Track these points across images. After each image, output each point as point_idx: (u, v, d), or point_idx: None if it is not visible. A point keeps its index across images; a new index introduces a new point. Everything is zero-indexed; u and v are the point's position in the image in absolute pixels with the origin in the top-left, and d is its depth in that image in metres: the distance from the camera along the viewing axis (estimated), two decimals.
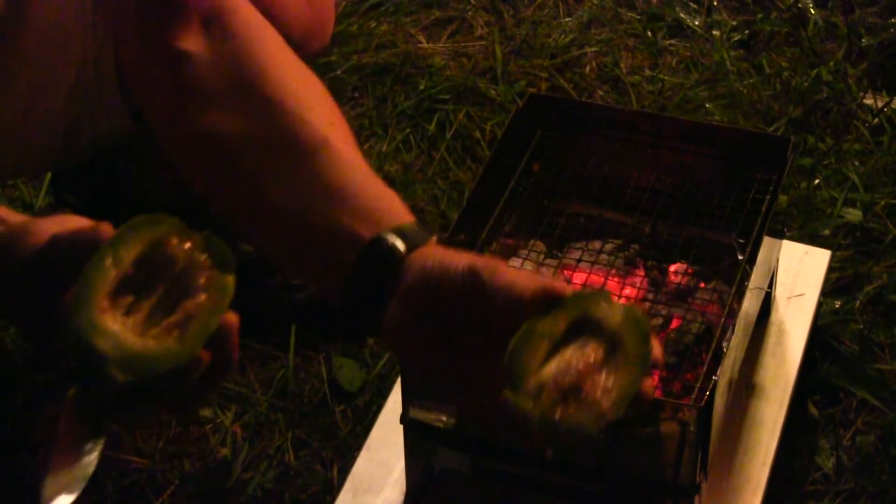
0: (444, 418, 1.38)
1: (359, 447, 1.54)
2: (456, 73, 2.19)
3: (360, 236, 1.04)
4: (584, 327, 0.97)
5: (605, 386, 0.95)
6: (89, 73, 1.28)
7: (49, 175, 1.86)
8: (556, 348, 0.96)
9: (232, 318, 0.91)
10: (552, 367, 0.96)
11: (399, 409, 1.40)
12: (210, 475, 1.62)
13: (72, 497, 0.89)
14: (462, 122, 2.09)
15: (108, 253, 0.89)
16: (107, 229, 0.90)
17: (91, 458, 0.91)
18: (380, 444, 1.52)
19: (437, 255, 1.03)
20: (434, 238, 1.05)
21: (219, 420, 1.67)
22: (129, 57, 1.22)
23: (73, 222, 0.94)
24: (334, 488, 1.58)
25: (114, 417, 0.93)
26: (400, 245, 1.03)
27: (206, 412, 1.68)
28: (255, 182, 1.12)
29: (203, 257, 0.92)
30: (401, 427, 1.41)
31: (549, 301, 0.97)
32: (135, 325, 0.89)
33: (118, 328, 0.88)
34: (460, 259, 1.01)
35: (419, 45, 2.26)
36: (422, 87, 2.15)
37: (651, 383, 0.97)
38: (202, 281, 0.91)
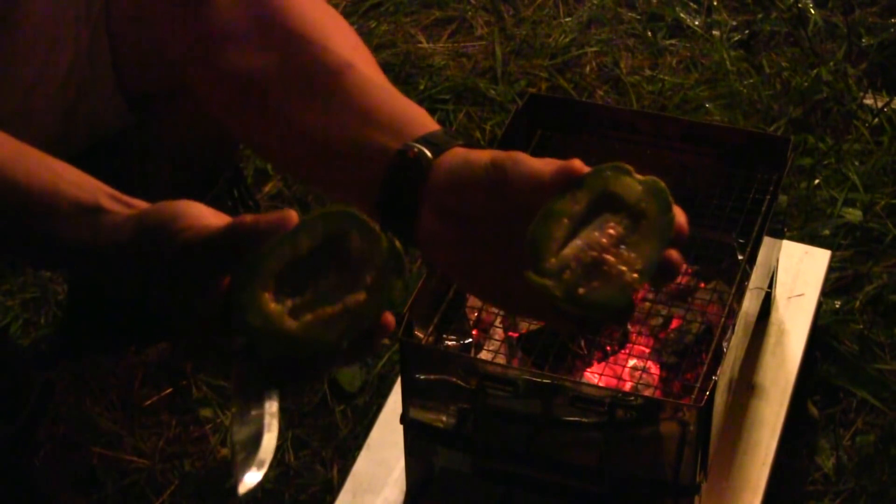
0: (444, 418, 1.38)
1: (359, 447, 1.54)
2: (456, 73, 2.19)
3: (389, 148, 1.06)
4: (606, 203, 0.96)
5: (629, 257, 0.94)
6: (84, 62, 1.30)
7: None
8: (578, 226, 0.96)
9: (389, 318, 0.93)
10: (574, 245, 0.95)
11: (399, 409, 1.40)
12: (210, 475, 1.62)
13: (260, 474, 0.91)
14: (462, 122, 2.09)
15: (288, 238, 0.92)
16: (293, 216, 0.93)
17: (272, 425, 0.94)
18: (380, 444, 1.52)
19: (461, 154, 1.04)
20: (460, 142, 1.06)
21: (219, 420, 1.67)
22: (153, 10, 1.24)
23: (202, 217, 0.96)
24: (334, 488, 1.58)
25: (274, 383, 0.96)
26: (427, 152, 1.05)
27: (206, 412, 1.68)
28: (284, 111, 1.14)
29: (376, 257, 0.94)
30: (401, 427, 1.41)
31: (569, 181, 0.97)
32: (293, 308, 0.92)
33: (274, 308, 0.92)
34: (483, 154, 1.02)
35: (419, 45, 2.26)
36: (422, 87, 2.15)
37: (677, 252, 0.96)
38: (369, 280, 0.93)
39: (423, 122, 1.09)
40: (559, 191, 0.96)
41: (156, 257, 0.97)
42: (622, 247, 0.95)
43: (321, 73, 1.13)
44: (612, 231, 0.95)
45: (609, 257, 0.94)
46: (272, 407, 0.94)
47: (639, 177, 0.97)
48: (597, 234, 0.95)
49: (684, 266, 0.97)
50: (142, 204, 1.01)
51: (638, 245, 0.95)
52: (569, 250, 0.95)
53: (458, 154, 1.04)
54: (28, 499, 1.58)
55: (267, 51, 1.16)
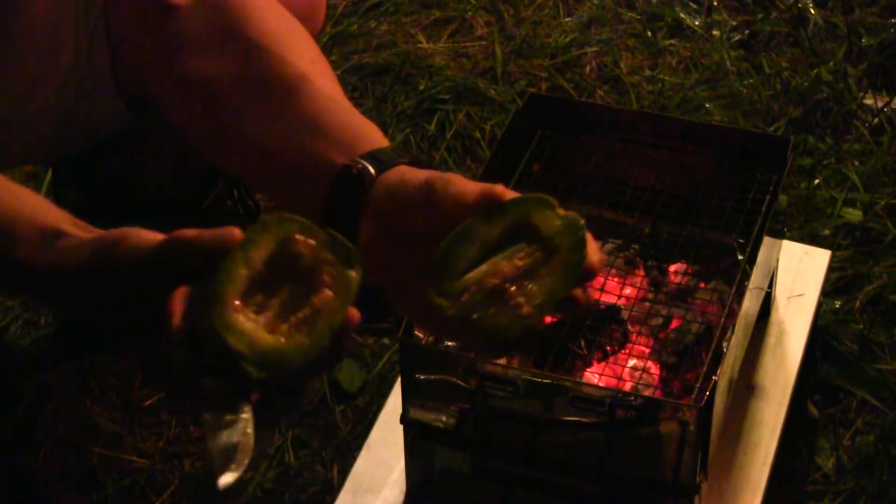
0: (444, 418, 1.38)
1: (359, 447, 1.54)
2: (456, 73, 2.19)
3: (336, 162, 1.08)
4: (523, 233, 0.97)
5: (530, 290, 0.95)
6: (82, 61, 1.31)
7: (49, 173, 1.86)
8: (490, 251, 0.97)
9: (354, 313, 0.94)
10: (481, 270, 0.96)
11: (399, 409, 1.40)
12: (210, 475, 1.62)
13: (238, 472, 0.92)
14: (462, 122, 2.09)
15: (240, 255, 0.92)
16: (237, 232, 0.93)
17: (247, 428, 0.95)
18: (380, 444, 1.52)
19: (401, 172, 1.06)
20: (405, 159, 1.08)
21: None
22: (121, 17, 1.25)
23: (149, 235, 0.97)
24: (334, 488, 1.58)
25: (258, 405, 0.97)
26: (371, 168, 1.07)
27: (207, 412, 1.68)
28: (239, 120, 1.16)
29: (327, 254, 0.94)
30: (401, 427, 1.41)
31: (491, 205, 0.98)
32: (266, 323, 0.92)
33: (251, 327, 0.91)
34: (421, 173, 1.04)
35: (419, 45, 2.26)
36: (422, 87, 2.16)
37: (583, 292, 0.97)
38: (327, 277, 0.94)
39: (373, 137, 1.11)
40: (480, 214, 0.97)
41: (106, 276, 0.97)
42: (528, 279, 0.95)
43: (277, 84, 1.15)
44: (520, 262, 0.96)
45: (510, 287, 0.95)
46: (245, 412, 0.95)
47: (560, 211, 0.98)
48: (505, 262, 0.96)
49: (589, 304, 0.99)
50: (101, 231, 1.02)
51: (544, 279, 0.96)
52: (474, 274, 0.96)
53: (399, 172, 1.06)
54: (28, 499, 1.58)
55: (225, 59, 1.18)
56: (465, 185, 1.01)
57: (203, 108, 1.19)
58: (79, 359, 1.73)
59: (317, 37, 1.53)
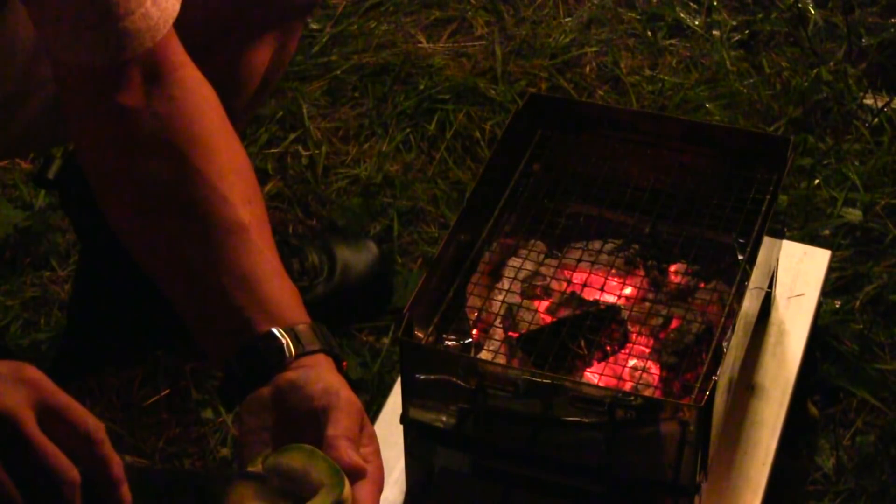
0: (444, 418, 1.38)
1: None
2: (456, 73, 2.19)
3: (254, 327, 1.15)
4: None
5: None
6: None
7: (54, 166, 1.86)
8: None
9: None
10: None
11: (399, 409, 1.40)
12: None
13: None
14: (462, 122, 2.09)
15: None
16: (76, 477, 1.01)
17: None
18: (380, 444, 1.52)
19: (314, 364, 1.15)
20: (314, 348, 1.15)
21: (219, 420, 1.67)
22: (76, 107, 1.24)
23: (31, 372, 1.01)
24: None
25: None
26: (289, 346, 1.14)
27: (207, 413, 1.68)
28: (172, 240, 1.19)
29: (321, 474, 1.07)
30: (401, 427, 1.41)
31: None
32: None
33: None
34: (317, 385, 1.13)
35: (419, 45, 2.26)
36: (422, 87, 2.16)
37: None
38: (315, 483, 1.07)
39: (294, 308, 1.17)
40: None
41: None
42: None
43: (214, 223, 1.18)
44: None
45: None
46: None
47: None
48: None
49: None
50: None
51: None
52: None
53: (313, 363, 1.15)
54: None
55: (173, 178, 1.19)
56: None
57: (143, 213, 1.21)
58: (82, 368, 1.73)
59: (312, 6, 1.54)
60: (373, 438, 1.16)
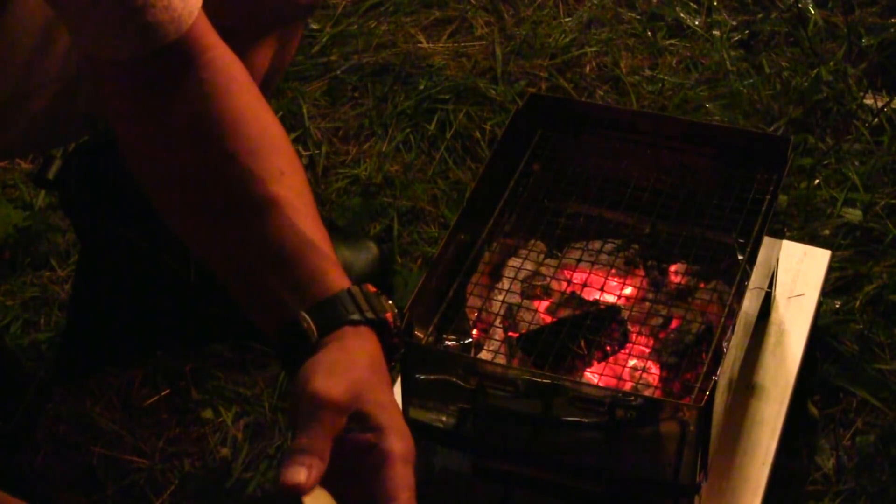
0: (444, 418, 1.38)
1: None
2: (456, 73, 2.19)
3: (289, 306, 1.15)
4: None
5: None
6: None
7: (55, 167, 1.86)
8: None
9: None
10: None
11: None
12: (210, 475, 1.62)
13: None
14: (462, 122, 2.09)
15: None
16: None
17: None
18: None
19: (338, 350, 1.14)
20: (353, 318, 1.15)
21: (219, 420, 1.67)
22: (115, 107, 1.25)
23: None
24: None
25: None
26: (314, 329, 1.14)
27: (207, 413, 1.68)
28: (211, 227, 1.20)
29: None
30: None
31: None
32: None
33: None
34: (359, 357, 1.14)
35: (419, 45, 2.26)
36: (422, 87, 2.16)
37: None
38: None
39: (330, 281, 1.16)
40: None
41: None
42: None
43: (246, 204, 1.18)
44: None
45: None
46: None
47: None
48: None
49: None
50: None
51: None
52: None
53: (339, 344, 1.14)
54: (28, 499, 1.58)
55: (206, 164, 1.20)
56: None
57: (185, 199, 1.22)
58: (82, 372, 1.73)
59: (290, 62, 1.55)
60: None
